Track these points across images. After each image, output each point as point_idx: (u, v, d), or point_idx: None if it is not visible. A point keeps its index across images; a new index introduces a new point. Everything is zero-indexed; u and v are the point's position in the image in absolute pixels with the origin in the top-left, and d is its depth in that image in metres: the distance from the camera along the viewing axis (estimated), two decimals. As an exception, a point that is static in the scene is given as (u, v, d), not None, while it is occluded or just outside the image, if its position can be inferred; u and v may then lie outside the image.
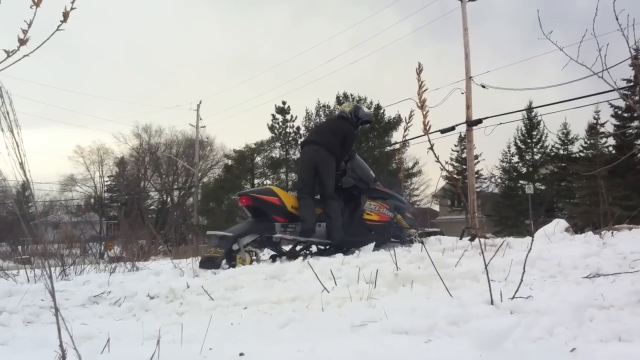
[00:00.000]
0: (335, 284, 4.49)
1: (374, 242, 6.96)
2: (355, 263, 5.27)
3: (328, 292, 4.26)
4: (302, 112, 47.43)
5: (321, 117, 45.39)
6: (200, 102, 42.90)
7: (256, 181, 45.39)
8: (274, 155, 46.03)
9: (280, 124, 47.04)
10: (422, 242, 6.52)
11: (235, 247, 6.74)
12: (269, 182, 46.00)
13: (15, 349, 3.02)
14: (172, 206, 51.53)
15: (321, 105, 45.78)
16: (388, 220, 7.56)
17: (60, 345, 1.98)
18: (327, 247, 7.48)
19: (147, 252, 10.28)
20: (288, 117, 47.10)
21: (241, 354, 2.46)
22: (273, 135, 46.71)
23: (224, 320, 3.73)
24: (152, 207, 52.60)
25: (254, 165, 44.99)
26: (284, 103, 47.04)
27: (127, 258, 8.81)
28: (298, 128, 46.62)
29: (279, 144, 46.43)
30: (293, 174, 45.46)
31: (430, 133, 3.61)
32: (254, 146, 44.94)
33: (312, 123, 45.56)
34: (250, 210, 7.32)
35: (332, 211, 7.24)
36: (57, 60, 78.97)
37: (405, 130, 3.90)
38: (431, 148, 3.63)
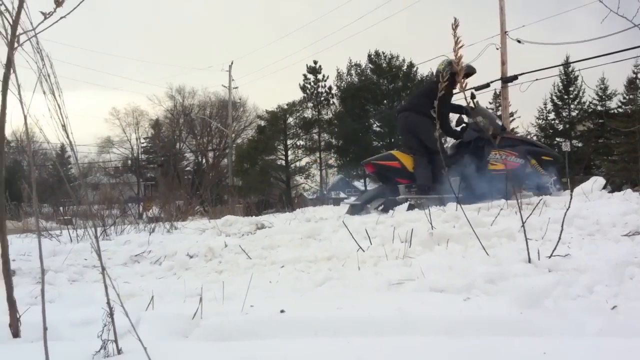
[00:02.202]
0: (371, 243, 4.50)
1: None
2: (389, 222, 5.27)
3: (363, 251, 4.28)
4: (334, 71, 47.01)
5: (352, 77, 44.89)
6: (232, 63, 42.82)
7: (289, 142, 45.40)
8: (306, 115, 45.80)
9: (312, 83, 46.66)
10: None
11: (363, 213, 7.15)
12: (301, 142, 46.02)
13: (63, 306, 3.12)
14: (207, 167, 52.01)
15: (353, 64, 45.21)
16: (515, 168, 7.47)
17: (108, 303, 2.03)
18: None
19: (185, 212, 10.43)
20: (320, 76, 46.66)
21: (282, 311, 2.49)
22: (305, 95, 46.41)
23: (262, 279, 3.79)
24: (188, 168, 53.12)
25: (286, 126, 44.87)
26: (315, 62, 46.61)
27: (165, 218, 8.95)
28: (330, 88, 46.25)
29: (311, 104, 46.14)
30: (326, 135, 45.29)
31: (465, 90, 3.55)
32: (286, 107, 44.72)
33: (343, 83, 45.11)
34: (377, 176, 7.96)
35: (435, 166, 7.48)
36: (88, 23, 79.31)
37: (440, 90, 3.82)
38: (468, 106, 3.57)
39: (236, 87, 44.07)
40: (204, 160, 54.36)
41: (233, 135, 46.16)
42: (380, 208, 7.42)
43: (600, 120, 38.16)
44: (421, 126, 7.53)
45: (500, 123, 7.78)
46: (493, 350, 1.68)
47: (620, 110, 38.39)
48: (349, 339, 1.96)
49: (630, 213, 4.31)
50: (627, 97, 38.11)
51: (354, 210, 7.41)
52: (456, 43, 3.50)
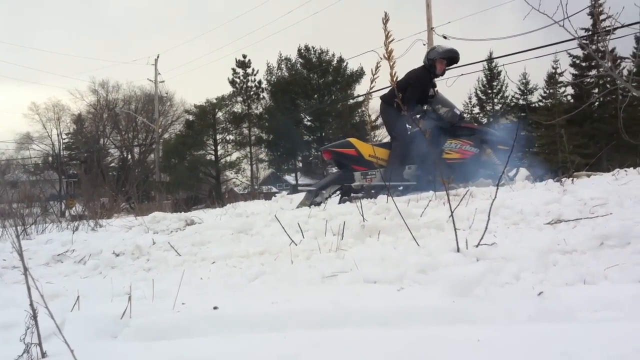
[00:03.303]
0: (303, 237, 4.49)
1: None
2: (322, 216, 5.27)
3: (296, 244, 4.27)
4: (264, 65, 46.70)
5: (283, 71, 44.81)
6: (158, 56, 41.93)
7: (218, 136, 44.84)
8: (236, 110, 45.36)
9: (242, 78, 46.24)
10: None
11: (318, 199, 7.26)
12: (231, 137, 45.59)
13: (-21, 311, 2.94)
14: (133, 163, 50.70)
15: (283, 58, 45.13)
16: (470, 157, 7.58)
17: (31, 304, 1.94)
18: (400, 188, 7.55)
19: (110, 209, 10.12)
20: (249, 70, 46.31)
21: (215, 308, 2.43)
22: (234, 89, 45.93)
23: (193, 276, 3.71)
24: (113, 164, 51.65)
25: (215, 121, 44.28)
26: (244, 56, 46.20)
27: (89, 216, 8.66)
28: (260, 82, 46.00)
29: (241, 99, 45.74)
30: (256, 129, 45.04)
31: (389, 86, 3.57)
32: (215, 101, 44.12)
33: (274, 77, 44.97)
34: (334, 163, 7.96)
35: (391, 155, 7.61)
36: (5, 14, 75.46)
37: (372, 82, 3.83)
38: (399, 99, 3.60)
39: (162, 81, 43.18)
40: (129, 156, 52.95)
41: (160, 130, 45.21)
42: (337, 195, 7.49)
43: (523, 114, 39.73)
44: (386, 115, 7.79)
45: (458, 112, 7.86)
46: (429, 339, 1.70)
47: (541, 104, 40.09)
48: (286, 333, 1.93)
49: (552, 202, 4.48)
50: (547, 92, 39.87)
51: (309, 195, 7.49)
52: (387, 37, 3.51)
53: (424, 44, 19.82)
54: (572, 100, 36.35)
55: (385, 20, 3.53)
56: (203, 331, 2.16)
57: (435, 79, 8.11)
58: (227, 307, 2.45)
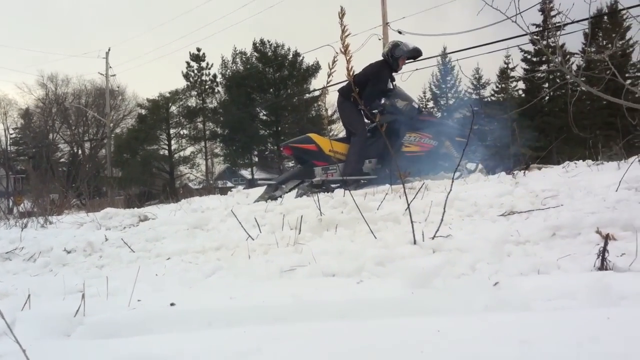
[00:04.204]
0: (260, 231, 4.48)
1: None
2: (279, 210, 5.26)
3: (253, 239, 4.24)
4: (218, 59, 46.25)
5: (238, 65, 44.42)
6: (109, 50, 40.93)
7: (172, 131, 44.20)
8: (190, 104, 44.81)
9: (196, 71, 45.72)
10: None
11: (278, 193, 7.26)
12: (185, 131, 45.01)
13: None
14: (84, 158, 49.46)
15: (238, 52, 44.71)
16: (429, 150, 7.61)
17: (-25, 305, 1.85)
18: (364, 181, 7.59)
19: (60, 206, 9.86)
20: (203, 64, 45.84)
21: (172, 304, 2.39)
22: (188, 83, 45.39)
23: (147, 272, 3.64)
24: (63, 160, 50.27)
25: (169, 115, 43.62)
26: (198, 50, 45.70)
27: (38, 213, 8.41)
28: (214, 76, 45.54)
29: (195, 93, 45.21)
30: (211, 123, 44.60)
31: (346, 81, 3.57)
32: (168, 95, 43.47)
33: (228, 71, 44.53)
34: (294, 159, 7.96)
35: (350, 149, 7.60)
36: (-54, 3, 72.41)
37: (329, 76, 3.81)
38: (355, 94, 3.60)
39: (114, 75, 42.18)
40: (80, 152, 51.64)
41: (111, 124, 44.27)
42: (298, 191, 7.44)
43: (475, 108, 40.45)
44: (343, 110, 7.82)
45: (416, 105, 7.92)
46: (389, 331, 1.70)
47: (493, 98, 40.95)
48: (245, 328, 1.90)
49: (505, 194, 4.57)
50: (499, 86, 40.75)
51: (269, 189, 7.51)
52: (343, 32, 3.51)
53: (380, 39, 19.95)
54: (523, 95, 37.23)
55: (342, 14, 3.53)
56: (160, 328, 2.12)
57: (393, 74, 8.17)
58: (184, 303, 2.41)
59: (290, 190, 7.51)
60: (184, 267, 3.83)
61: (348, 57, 3.48)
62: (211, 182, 43.10)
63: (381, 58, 8.14)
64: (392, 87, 8.08)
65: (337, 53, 3.65)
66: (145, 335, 2.04)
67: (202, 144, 44.95)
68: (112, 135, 43.79)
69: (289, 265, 3.22)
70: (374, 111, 7.60)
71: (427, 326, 1.69)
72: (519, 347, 1.39)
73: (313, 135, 7.92)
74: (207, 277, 3.39)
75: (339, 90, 7.93)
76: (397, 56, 7.90)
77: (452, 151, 7.72)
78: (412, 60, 8.47)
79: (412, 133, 7.68)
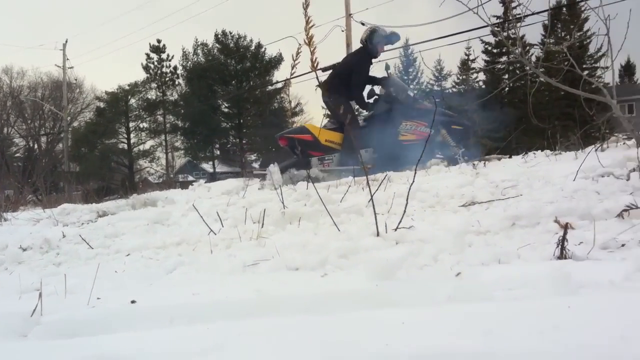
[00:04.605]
0: (222, 226, 4.44)
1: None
2: (241, 204, 5.22)
3: (215, 234, 4.21)
4: (179, 51, 45.54)
5: (199, 57, 43.83)
6: (66, 41, 39.87)
7: (131, 124, 43.44)
8: (150, 96, 44.09)
9: (156, 63, 44.98)
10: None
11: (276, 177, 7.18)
12: (145, 124, 44.33)
13: None
14: (40, 153, 48.23)
15: (199, 43, 44.10)
16: (425, 138, 7.51)
17: None
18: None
19: (15, 202, 9.59)
20: (164, 56, 45.13)
21: (133, 301, 2.34)
22: (148, 75, 44.62)
23: (107, 269, 3.57)
24: (18, 154, 48.91)
25: (128, 108, 42.83)
26: (159, 41, 44.97)
27: (-8, 210, 8.15)
28: (175, 68, 44.87)
29: (155, 85, 44.50)
30: (171, 116, 43.99)
31: (310, 72, 3.55)
32: (127, 87, 42.66)
33: (189, 63, 43.91)
34: (290, 149, 7.82)
35: (346, 139, 7.63)
36: None
37: (292, 68, 3.77)
38: (320, 85, 3.58)
39: (71, 67, 41.17)
40: (36, 146, 50.30)
41: (69, 118, 43.24)
42: (293, 179, 7.43)
43: (437, 100, 40.88)
44: (337, 106, 7.60)
45: (411, 94, 7.90)
46: (355, 323, 1.70)
47: (454, 89, 41.40)
48: (209, 324, 1.87)
49: (466, 185, 4.63)
50: (460, 78, 41.23)
51: (265, 178, 7.53)
52: (307, 23, 3.48)
53: (343, 30, 19.93)
54: (483, 86, 37.75)
55: (306, 5, 3.50)
56: (121, 326, 2.07)
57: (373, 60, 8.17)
58: (145, 300, 2.37)
59: (286, 181, 7.51)
60: (144, 263, 3.77)
61: (312, 49, 3.45)
62: (171, 176, 42.61)
63: (360, 46, 8.13)
64: (387, 75, 8.07)
65: (300, 45, 3.62)
66: (106, 335, 2.00)
67: (163, 137, 44.31)
68: (70, 129, 42.79)
69: (252, 259, 3.19)
70: (368, 100, 7.56)
71: (392, 318, 1.70)
72: (483, 337, 1.40)
73: (309, 125, 7.94)
74: (169, 273, 3.34)
75: (325, 85, 7.97)
76: (375, 42, 7.89)
77: (448, 139, 7.70)
78: (390, 45, 8.48)
79: (408, 121, 7.65)
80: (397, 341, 1.48)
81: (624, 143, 5.47)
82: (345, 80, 7.58)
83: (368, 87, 7.98)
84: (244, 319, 1.92)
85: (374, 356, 1.42)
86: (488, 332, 1.42)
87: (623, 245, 2.55)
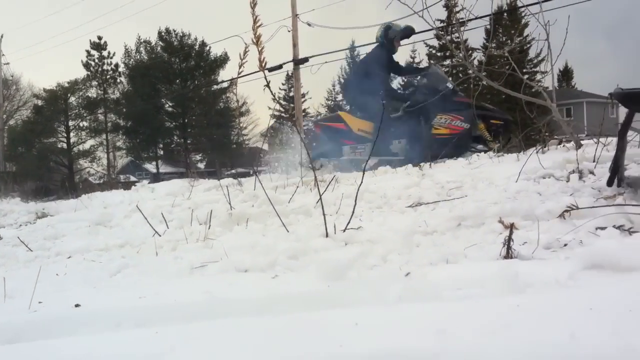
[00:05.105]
0: (167, 227, 4.37)
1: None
2: (187, 205, 5.15)
3: (160, 235, 4.14)
4: (121, 48, 44.49)
5: (142, 54, 42.91)
6: (2, 36, 38.28)
7: (71, 123, 42.11)
8: (90, 94, 42.83)
9: (97, 60, 43.83)
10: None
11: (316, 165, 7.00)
12: (85, 123, 43.06)
13: None
14: (-27, 152, 46.20)
15: (142, 41, 43.19)
16: (459, 132, 7.41)
17: None
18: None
19: (-54, 203, 9.15)
20: (105, 53, 44.01)
21: (77, 305, 2.25)
22: (89, 73, 43.40)
23: (48, 272, 3.45)
24: (-52, 154, 46.73)
25: (67, 106, 41.47)
26: (99, 38, 43.80)
27: None
28: (117, 65, 43.83)
29: (96, 83, 43.31)
30: (113, 115, 42.93)
31: (257, 72, 3.52)
32: (67, 85, 41.29)
33: (132, 60, 42.94)
34: (324, 137, 7.95)
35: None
36: None
37: (240, 67, 3.72)
38: (267, 85, 3.55)
39: (7, 63, 39.48)
40: (-32, 145, 48.13)
41: (4, 116, 41.53)
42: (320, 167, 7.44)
43: (383, 102, 41.32)
44: (367, 107, 7.79)
45: (451, 86, 7.79)
46: (308, 325, 1.69)
47: (399, 92, 42.03)
48: (157, 328, 1.82)
49: (412, 186, 4.70)
50: (405, 80, 41.91)
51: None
52: (255, 22, 3.45)
53: (289, 31, 19.84)
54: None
55: (253, 4, 3.46)
56: (65, 331, 1.99)
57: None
58: (89, 304, 2.29)
59: (318, 169, 7.48)
60: (86, 265, 3.66)
61: (260, 48, 3.42)
62: (113, 176, 41.56)
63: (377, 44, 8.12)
64: (428, 65, 8.09)
65: (246, 44, 3.58)
66: (49, 340, 1.92)
67: (104, 136, 43.18)
68: (6, 127, 41.14)
69: (199, 261, 3.15)
70: (405, 92, 7.49)
71: (345, 319, 1.69)
72: (436, 337, 1.41)
73: (343, 114, 8.00)
74: (113, 275, 3.26)
75: (348, 84, 8.14)
76: (390, 38, 7.88)
77: (485, 134, 7.62)
78: (406, 39, 8.51)
79: (443, 115, 7.56)
80: (351, 342, 1.47)
81: (563, 145, 5.66)
82: (367, 78, 7.56)
83: (395, 80, 7.95)
84: (193, 322, 1.88)
85: (329, 358, 1.41)
86: (441, 332, 1.43)
87: (565, 245, 2.64)
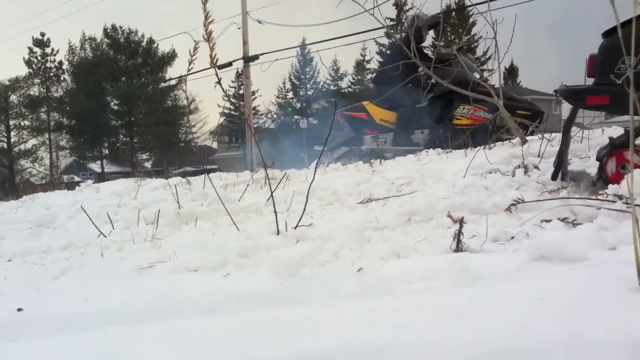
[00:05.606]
0: (113, 228, 4.26)
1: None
2: (133, 205, 5.04)
3: (105, 236, 4.03)
4: (65, 45, 43.19)
5: (86, 51, 41.80)
6: None
7: (12, 122, 40.64)
8: (32, 92, 41.52)
9: (39, 58, 42.55)
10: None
11: (327, 159, 7.19)
12: (27, 122, 41.65)
13: None
14: None
15: (86, 37, 42.06)
16: (481, 122, 7.28)
17: None
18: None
19: None
20: (48, 50, 42.74)
21: (19, 309, 2.16)
22: (31, 70, 42.10)
23: (-14, 276, 3.29)
24: None
25: (8, 105, 40.07)
26: (42, 35, 42.54)
27: None
28: (60, 63, 42.61)
29: (38, 81, 42.00)
30: (56, 114, 41.70)
31: (208, 68, 3.46)
32: (7, 83, 39.91)
33: (76, 57, 41.78)
34: (348, 125, 7.93)
35: (399, 119, 7.76)
36: None
37: (190, 64, 3.65)
38: (219, 82, 3.49)
39: (-58, 59, 37.90)
40: None
41: (-60, 114, 39.80)
42: (341, 157, 7.47)
43: (333, 99, 41.51)
44: (393, 96, 7.63)
45: (478, 76, 7.53)
46: (262, 323, 1.66)
47: (350, 89, 42.21)
48: (105, 330, 1.76)
49: (363, 183, 4.72)
50: (356, 78, 42.15)
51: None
52: (206, 18, 3.39)
53: (239, 28, 19.65)
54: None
55: (205, 0, 3.40)
56: (6, 336, 1.90)
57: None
58: (33, 308, 2.21)
59: (339, 158, 7.46)
60: (28, 268, 3.53)
61: (211, 45, 3.36)
62: (56, 176, 40.34)
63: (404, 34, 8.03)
64: (455, 55, 7.85)
65: (196, 41, 3.51)
66: (-12, 346, 1.82)
67: (46, 135, 41.92)
68: (-60, 126, 39.43)
69: (147, 261, 3.08)
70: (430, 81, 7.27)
71: (300, 315, 1.68)
72: (392, 331, 1.41)
73: (366, 104, 7.95)
74: (56, 278, 3.15)
75: (379, 76, 8.04)
76: (419, 27, 7.76)
77: (511, 124, 7.48)
78: (433, 29, 8.39)
79: (466, 105, 7.43)
80: (307, 338, 1.46)
81: (509, 141, 5.79)
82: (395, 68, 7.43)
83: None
84: (143, 324, 1.82)
85: (285, 355, 1.39)
86: (395, 325, 1.44)
87: (513, 237, 2.70)
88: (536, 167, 4.10)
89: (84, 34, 42.18)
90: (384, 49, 38.78)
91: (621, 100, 2.88)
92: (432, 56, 7.97)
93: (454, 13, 34.19)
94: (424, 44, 8.53)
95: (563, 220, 2.78)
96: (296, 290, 2.05)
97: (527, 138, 5.35)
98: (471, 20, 31.30)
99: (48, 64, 42.67)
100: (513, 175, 4.00)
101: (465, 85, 6.69)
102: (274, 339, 1.50)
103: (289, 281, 2.18)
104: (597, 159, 3.42)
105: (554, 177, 3.60)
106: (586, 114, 5.30)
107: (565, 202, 2.95)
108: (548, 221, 2.80)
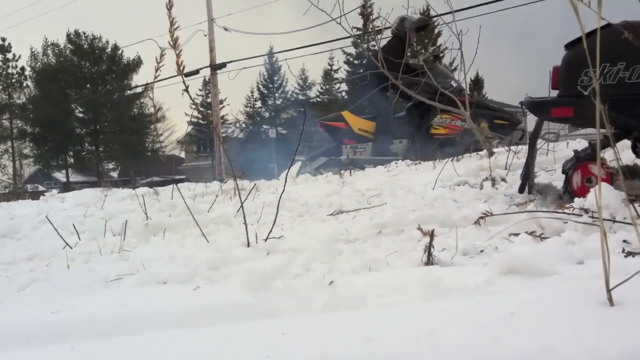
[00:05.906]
0: (79, 239, 4.20)
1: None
2: (100, 215, 4.97)
3: (71, 247, 3.96)
4: (27, 50, 42.33)
5: (49, 57, 41.10)
6: None
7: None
8: (-7, 99, 40.62)
9: (1, 64, 41.62)
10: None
11: (307, 169, 7.32)
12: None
13: None
14: None
15: (49, 43, 41.36)
16: (459, 132, 7.23)
17: None
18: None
19: None
20: (10, 56, 41.93)
21: (-19, 325, 2.10)
22: (-8, 77, 41.15)
23: (-56, 290, 3.19)
24: None
25: (-32, 111, 39.19)
26: (3, 40, 41.69)
27: None
28: (23, 69, 41.80)
29: (0, 87, 41.08)
30: (19, 121, 40.85)
31: (174, 76, 3.44)
32: (-32, 89, 39.04)
33: (39, 64, 41.03)
34: (328, 135, 7.97)
35: (377, 130, 7.79)
36: None
37: (156, 70, 3.61)
38: (186, 90, 3.47)
39: None
40: None
41: None
42: (320, 167, 7.48)
43: (302, 109, 41.58)
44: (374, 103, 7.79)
45: (455, 84, 7.53)
46: (232, 337, 1.65)
47: (319, 99, 42.29)
48: (72, 344, 1.73)
49: (333, 194, 4.73)
50: (324, 87, 42.30)
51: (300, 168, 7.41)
52: (171, 24, 3.37)
53: (205, 35, 19.55)
54: (346, 96, 38.90)
55: (170, 5, 3.38)
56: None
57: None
58: (-4, 323, 2.14)
59: (318, 168, 7.47)
60: (-9, 280, 3.43)
61: (178, 52, 3.34)
62: (20, 186, 39.43)
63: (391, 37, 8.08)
64: (433, 64, 7.89)
65: (162, 48, 3.49)
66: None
67: (9, 143, 40.99)
68: None
69: (115, 274, 3.03)
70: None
71: (271, 329, 1.67)
72: (362, 345, 1.41)
73: (345, 113, 7.90)
74: (21, 290, 3.08)
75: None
76: (406, 28, 7.74)
77: (487, 134, 7.39)
78: (421, 31, 8.52)
79: (444, 114, 7.34)
80: (279, 352, 1.45)
81: (477, 153, 5.87)
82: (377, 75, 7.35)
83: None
84: (112, 337, 1.79)
85: (256, 370, 1.38)
86: (367, 339, 1.44)
87: (482, 251, 2.73)
88: (503, 180, 4.17)
89: (46, 39, 41.60)
90: (351, 59, 39.04)
91: (585, 112, 2.94)
92: (415, 64, 8.12)
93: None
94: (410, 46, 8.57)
95: (531, 233, 2.83)
96: (267, 304, 2.03)
97: (504, 149, 5.37)
98: (437, 30, 31.72)
99: (10, 70, 41.88)
100: (481, 188, 4.07)
101: (441, 94, 6.57)
102: (245, 353, 1.49)
103: (260, 294, 2.17)
104: (563, 172, 3.49)
105: (521, 190, 3.66)
106: (552, 126, 5.41)
107: (533, 216, 3.01)
108: (516, 234, 2.85)
